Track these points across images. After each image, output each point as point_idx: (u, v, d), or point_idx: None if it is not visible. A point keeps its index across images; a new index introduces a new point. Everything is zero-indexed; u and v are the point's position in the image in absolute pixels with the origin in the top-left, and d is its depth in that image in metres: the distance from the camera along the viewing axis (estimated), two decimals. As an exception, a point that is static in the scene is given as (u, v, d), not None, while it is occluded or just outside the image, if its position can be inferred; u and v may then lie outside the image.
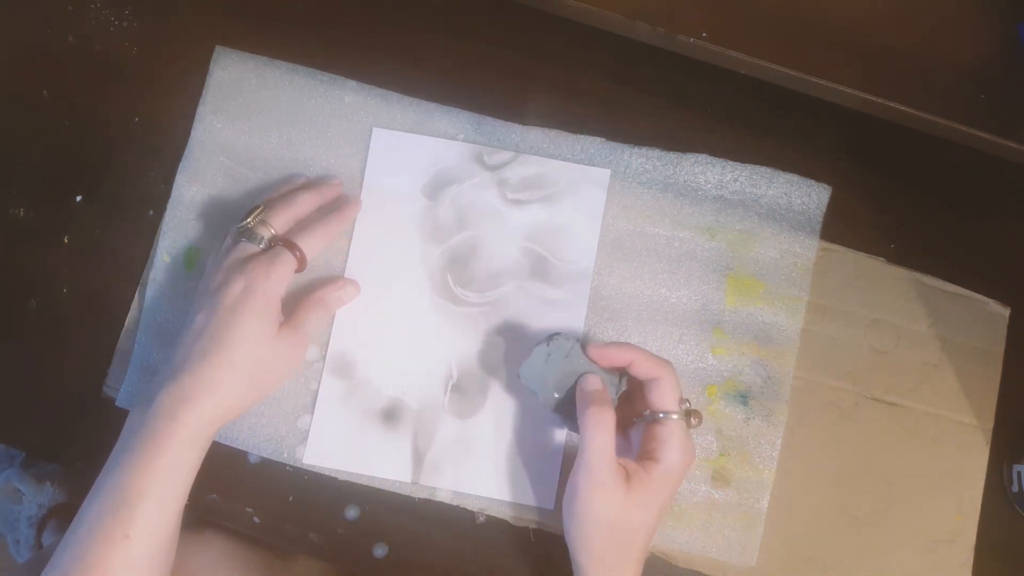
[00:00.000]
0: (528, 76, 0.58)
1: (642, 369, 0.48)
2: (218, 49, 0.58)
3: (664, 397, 0.47)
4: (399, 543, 0.54)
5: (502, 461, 0.54)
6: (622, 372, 0.49)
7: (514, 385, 0.54)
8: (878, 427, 0.55)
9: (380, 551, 0.54)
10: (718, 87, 0.56)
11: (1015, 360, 0.55)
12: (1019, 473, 0.53)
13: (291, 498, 0.54)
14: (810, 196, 0.56)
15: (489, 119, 0.57)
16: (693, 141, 0.57)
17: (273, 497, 0.54)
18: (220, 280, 0.49)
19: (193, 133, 0.57)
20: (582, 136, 0.57)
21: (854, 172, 0.57)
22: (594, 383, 0.48)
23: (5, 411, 0.56)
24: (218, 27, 0.58)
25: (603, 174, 0.56)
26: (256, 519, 0.54)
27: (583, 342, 0.51)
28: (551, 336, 0.50)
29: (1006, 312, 0.56)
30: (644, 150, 0.56)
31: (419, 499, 0.54)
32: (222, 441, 0.54)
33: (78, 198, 0.58)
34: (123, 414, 0.51)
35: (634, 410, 0.50)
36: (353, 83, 0.57)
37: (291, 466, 0.54)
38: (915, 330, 0.56)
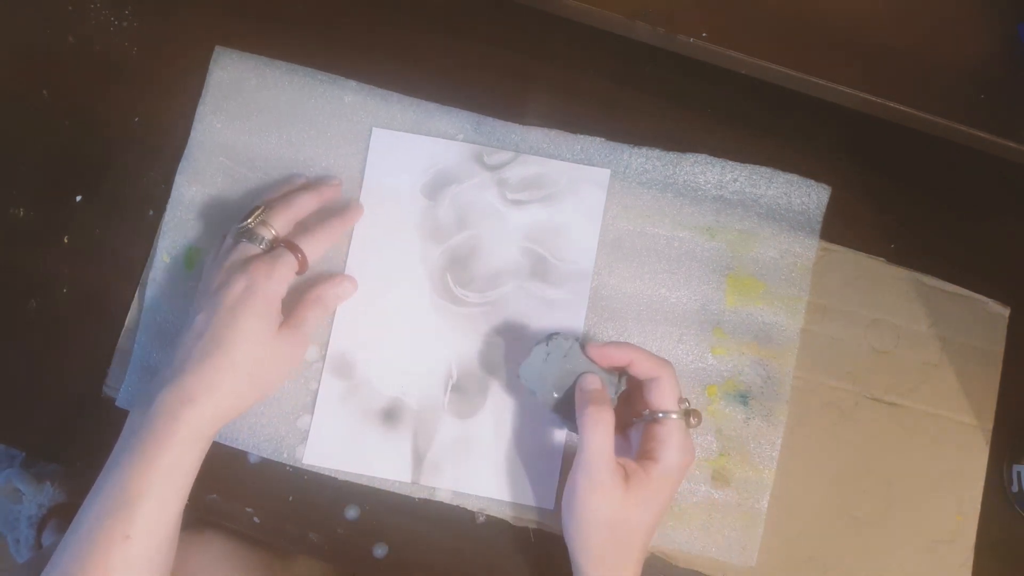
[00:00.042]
0: (528, 76, 0.58)
1: (641, 369, 0.48)
2: (218, 49, 0.58)
3: (663, 397, 0.47)
4: (399, 543, 0.54)
5: (502, 461, 0.54)
6: (621, 372, 0.49)
7: (514, 385, 0.54)
8: (878, 427, 0.55)
9: (380, 551, 0.54)
10: (718, 87, 0.56)
11: (1015, 360, 0.55)
12: (1019, 473, 0.53)
13: (291, 498, 0.54)
14: (810, 196, 0.56)
15: (489, 119, 0.57)
16: (693, 141, 0.57)
17: (273, 497, 0.54)
18: (221, 280, 0.49)
19: (193, 133, 0.57)
20: (582, 136, 0.57)
21: (854, 172, 0.57)
22: (593, 383, 0.48)
23: (5, 411, 0.56)
24: (218, 27, 0.58)
25: (603, 174, 0.56)
26: (256, 519, 0.54)
27: (582, 342, 0.51)
28: (550, 336, 0.50)
29: (1006, 312, 0.56)
30: (644, 150, 0.56)
31: (419, 499, 0.54)
32: (222, 441, 0.54)
33: (78, 198, 0.58)
34: (123, 414, 0.51)
35: (633, 410, 0.50)
36: (353, 83, 0.57)
37: (291, 466, 0.54)
38: (915, 330, 0.56)
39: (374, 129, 0.57)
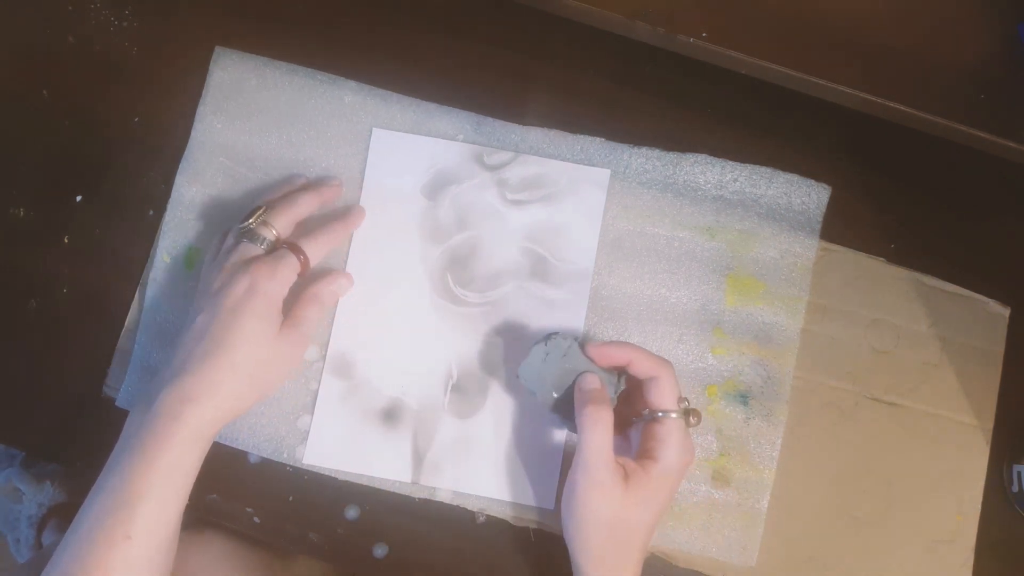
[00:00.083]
0: (528, 76, 0.58)
1: (641, 368, 0.48)
2: (218, 49, 0.58)
3: (663, 396, 0.47)
4: (399, 543, 0.54)
5: (502, 461, 0.54)
6: (621, 371, 0.49)
7: (514, 385, 0.54)
8: (878, 427, 0.55)
9: (380, 551, 0.54)
10: (718, 87, 0.56)
11: (1015, 360, 0.55)
12: (1019, 473, 0.53)
13: (291, 498, 0.54)
14: (810, 196, 0.56)
15: (489, 119, 0.57)
16: (693, 141, 0.57)
17: (273, 497, 0.54)
18: (222, 281, 0.49)
19: (193, 133, 0.57)
20: (582, 136, 0.57)
21: (854, 172, 0.57)
22: (592, 382, 0.48)
23: (5, 411, 0.56)
24: (218, 27, 0.58)
25: (603, 174, 0.56)
26: (256, 519, 0.54)
27: (582, 341, 0.51)
28: (549, 335, 0.50)
29: (1006, 312, 0.56)
30: (644, 150, 0.56)
31: (419, 499, 0.54)
32: (222, 441, 0.54)
33: (78, 198, 0.58)
34: (123, 414, 0.51)
35: (633, 409, 0.50)
36: (353, 83, 0.57)
37: (291, 466, 0.54)
38: (915, 330, 0.56)
39: (374, 129, 0.57)
